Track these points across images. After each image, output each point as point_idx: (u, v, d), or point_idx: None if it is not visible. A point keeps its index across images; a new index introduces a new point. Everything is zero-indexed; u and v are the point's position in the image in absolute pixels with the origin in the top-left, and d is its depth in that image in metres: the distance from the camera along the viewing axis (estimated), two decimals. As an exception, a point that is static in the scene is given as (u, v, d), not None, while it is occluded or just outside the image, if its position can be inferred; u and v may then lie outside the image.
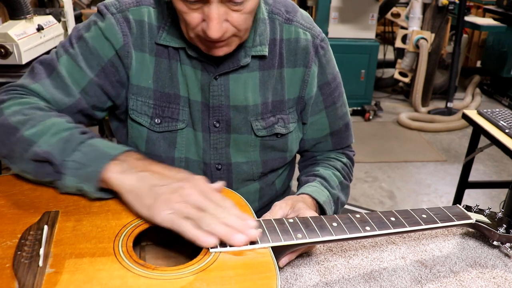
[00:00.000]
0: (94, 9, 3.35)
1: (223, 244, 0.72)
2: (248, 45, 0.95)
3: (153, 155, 1.00)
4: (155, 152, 1.00)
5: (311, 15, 4.59)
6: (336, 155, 1.13)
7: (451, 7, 4.23)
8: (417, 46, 4.32)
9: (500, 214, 0.94)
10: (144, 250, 0.83)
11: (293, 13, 1.02)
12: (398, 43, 4.54)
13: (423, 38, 4.29)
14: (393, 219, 0.83)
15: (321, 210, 0.98)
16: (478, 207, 0.94)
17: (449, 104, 4.38)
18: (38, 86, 0.91)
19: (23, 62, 1.98)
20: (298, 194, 0.98)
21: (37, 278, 0.63)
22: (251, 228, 0.73)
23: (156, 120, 0.98)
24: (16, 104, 0.86)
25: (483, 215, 0.93)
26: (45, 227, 0.72)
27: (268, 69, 0.99)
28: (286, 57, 1.00)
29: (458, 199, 2.47)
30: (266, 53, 0.97)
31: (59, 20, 2.40)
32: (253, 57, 0.97)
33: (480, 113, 2.15)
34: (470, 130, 2.45)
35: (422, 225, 0.83)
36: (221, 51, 0.88)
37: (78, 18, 2.81)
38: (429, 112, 4.45)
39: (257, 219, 0.80)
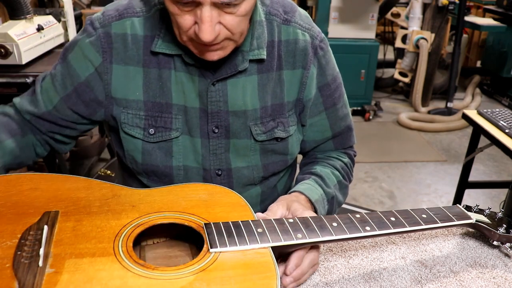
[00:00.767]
0: (94, 9, 3.35)
1: (223, 244, 0.72)
2: (246, 49, 0.94)
3: (150, 165, 1.00)
4: (152, 163, 0.99)
5: (311, 15, 4.59)
6: (337, 154, 1.12)
7: (451, 7, 4.23)
8: (417, 46, 4.32)
9: (500, 214, 0.94)
10: (144, 250, 0.83)
11: (292, 14, 1.00)
12: (398, 43, 4.54)
13: (423, 38, 4.29)
14: (393, 219, 0.83)
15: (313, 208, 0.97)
16: (478, 207, 0.94)
17: (449, 104, 4.38)
18: (18, 99, 1.04)
19: (23, 62, 1.97)
20: (290, 192, 0.97)
21: (37, 278, 0.63)
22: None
23: (150, 131, 0.97)
24: None
25: (483, 215, 0.93)
26: (45, 227, 0.72)
27: (266, 72, 0.98)
28: (285, 59, 0.99)
29: (458, 199, 2.47)
30: (264, 57, 0.95)
31: (59, 20, 2.39)
32: (251, 61, 0.95)
33: (480, 113, 2.15)
34: (470, 130, 2.45)
35: (422, 225, 0.83)
36: (215, 55, 0.86)
37: (78, 18, 2.80)
38: (429, 112, 4.45)
39: (257, 219, 0.81)
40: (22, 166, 1.06)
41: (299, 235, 0.76)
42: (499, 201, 3.00)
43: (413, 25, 4.41)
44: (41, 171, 1.57)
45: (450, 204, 2.71)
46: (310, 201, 0.95)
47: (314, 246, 0.82)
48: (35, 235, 0.71)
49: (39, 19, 2.18)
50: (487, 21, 4.71)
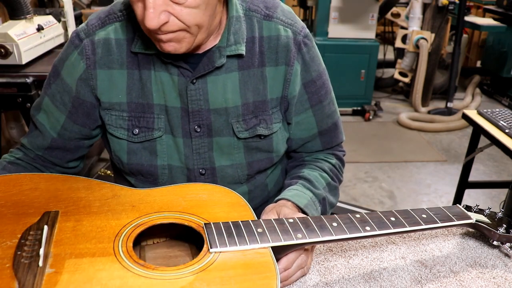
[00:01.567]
0: (94, 9, 3.35)
1: (223, 244, 0.72)
2: (222, 45, 0.93)
3: (135, 164, 1.00)
4: (137, 162, 1.00)
5: (311, 15, 4.60)
6: (324, 156, 1.11)
7: (451, 7, 4.23)
8: (417, 46, 4.32)
9: (500, 214, 0.94)
10: (144, 250, 0.83)
11: (273, 9, 0.99)
12: (398, 43, 4.54)
13: (423, 38, 4.29)
14: (393, 219, 0.83)
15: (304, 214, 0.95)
16: (478, 207, 0.94)
17: (449, 104, 4.38)
18: (25, 140, 1.05)
19: (23, 62, 1.98)
20: (277, 200, 0.96)
21: (37, 278, 0.63)
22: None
23: (134, 131, 0.97)
24: (1, 159, 1.04)
25: (483, 215, 0.93)
26: (45, 227, 0.72)
27: (247, 68, 0.97)
28: (267, 56, 0.98)
29: (458, 199, 2.47)
30: (243, 52, 0.94)
31: (59, 20, 2.39)
32: (230, 57, 0.95)
33: (480, 113, 2.15)
34: (470, 130, 2.45)
35: (422, 225, 0.83)
36: (170, 47, 0.85)
37: (78, 18, 2.80)
38: (429, 112, 4.45)
39: (257, 219, 0.81)
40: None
41: (299, 235, 0.77)
42: (499, 201, 3.00)
43: (413, 25, 4.41)
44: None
45: (450, 204, 2.71)
46: (298, 207, 0.94)
47: (305, 250, 0.82)
48: (35, 235, 0.71)
49: (39, 19, 2.18)
50: (487, 21, 4.71)
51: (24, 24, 2.06)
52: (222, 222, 0.77)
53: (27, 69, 2.01)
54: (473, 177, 2.47)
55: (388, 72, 5.25)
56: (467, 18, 4.46)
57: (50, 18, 2.30)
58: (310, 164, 1.08)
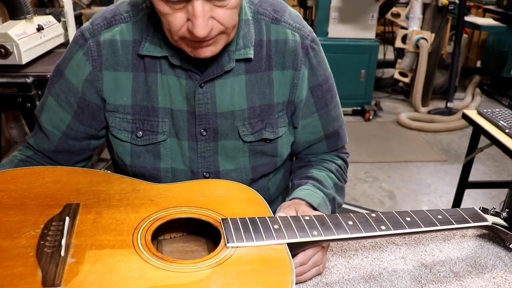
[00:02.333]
0: (94, 9, 3.35)
1: (240, 239, 0.73)
2: (232, 49, 0.93)
3: (139, 167, 1.00)
4: (141, 164, 0.99)
5: (311, 15, 4.60)
6: (330, 157, 1.11)
7: (451, 7, 4.23)
8: (417, 46, 4.32)
9: (504, 214, 0.93)
10: (161, 244, 0.85)
11: (281, 13, 0.98)
12: (398, 43, 4.54)
13: (423, 38, 4.29)
14: (408, 219, 0.83)
15: None
16: (495, 209, 0.93)
17: (449, 104, 4.38)
18: (31, 140, 1.05)
19: (23, 62, 1.98)
20: (290, 199, 0.96)
21: (59, 267, 0.65)
22: None
23: (138, 134, 0.97)
24: (12, 156, 1.04)
25: (500, 217, 0.91)
26: (67, 218, 0.74)
27: (254, 72, 0.97)
28: (274, 59, 0.97)
29: (458, 199, 2.47)
30: (251, 56, 0.94)
31: (59, 20, 2.39)
32: (238, 60, 0.94)
33: (480, 113, 2.15)
34: (470, 130, 2.45)
35: (437, 226, 0.83)
36: (208, 51, 0.84)
37: (78, 18, 2.80)
38: (429, 112, 4.45)
39: (273, 215, 0.81)
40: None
41: (315, 232, 0.77)
42: (499, 201, 2.99)
43: (413, 25, 4.41)
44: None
45: (450, 204, 2.71)
46: (312, 206, 0.95)
47: (322, 247, 0.83)
48: (57, 226, 0.72)
49: (39, 19, 2.18)
50: (487, 21, 4.71)
51: (24, 24, 2.06)
52: (239, 218, 0.79)
53: (27, 69, 2.01)
54: (473, 177, 2.47)
55: (388, 72, 5.25)
56: (467, 18, 4.46)
57: (50, 18, 2.30)
58: (317, 165, 1.09)
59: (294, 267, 0.70)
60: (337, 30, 4.22)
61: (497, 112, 2.12)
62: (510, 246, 0.91)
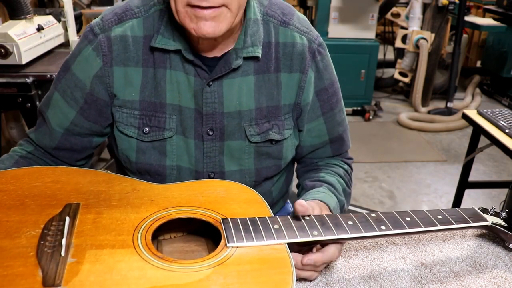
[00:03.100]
0: (94, 9, 3.35)
1: (240, 239, 0.73)
2: (239, 47, 0.93)
3: (144, 163, 0.99)
4: (146, 161, 0.99)
5: (311, 15, 4.60)
6: (337, 162, 1.11)
7: (451, 7, 4.23)
8: (417, 46, 4.32)
9: (504, 214, 0.93)
10: (161, 244, 0.85)
11: (290, 16, 0.99)
12: (398, 43, 4.54)
13: (423, 38, 4.29)
14: (408, 219, 0.83)
15: None
16: (494, 209, 0.93)
17: (449, 104, 4.38)
18: (33, 135, 1.04)
19: (23, 62, 1.97)
20: (309, 199, 0.95)
21: (59, 267, 0.65)
22: None
23: (144, 130, 0.97)
24: (11, 151, 1.04)
25: (500, 217, 0.92)
26: (67, 218, 0.74)
27: (263, 73, 0.97)
28: (282, 62, 0.98)
29: (458, 199, 2.47)
30: (259, 54, 0.94)
31: (59, 20, 2.39)
32: (247, 59, 0.95)
33: (480, 113, 2.15)
34: (470, 130, 2.45)
35: (437, 226, 0.83)
36: (210, 27, 0.82)
37: (78, 18, 2.80)
38: (429, 112, 4.45)
39: (273, 216, 0.81)
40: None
41: (315, 232, 0.78)
42: (499, 201, 2.99)
43: (413, 25, 4.41)
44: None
45: (450, 204, 2.71)
46: (329, 209, 0.94)
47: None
48: (57, 225, 0.73)
49: (39, 19, 2.18)
50: (487, 21, 4.70)
51: (24, 24, 2.06)
52: (239, 218, 0.79)
53: (27, 69, 2.01)
54: (473, 177, 2.47)
55: (388, 72, 5.25)
56: (467, 18, 4.45)
57: (50, 18, 2.30)
58: (325, 169, 1.09)
59: (294, 267, 0.70)
60: (337, 30, 4.22)
61: (497, 112, 2.11)
62: (509, 246, 0.91)
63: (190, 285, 0.65)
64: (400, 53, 4.84)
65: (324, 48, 1.02)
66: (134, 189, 0.86)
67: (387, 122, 4.34)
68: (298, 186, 1.12)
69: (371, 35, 4.29)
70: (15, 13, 2.06)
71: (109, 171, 0.92)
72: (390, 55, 5.60)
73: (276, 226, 0.77)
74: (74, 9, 2.83)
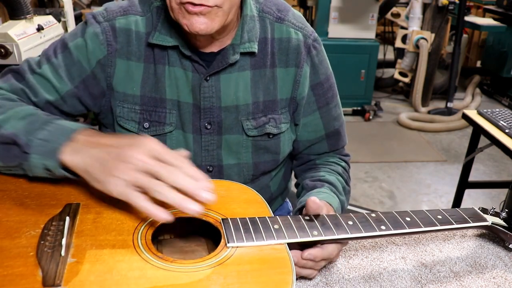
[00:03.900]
0: (94, 9, 3.35)
1: (240, 239, 0.73)
2: (236, 43, 0.95)
3: None
4: None
5: (311, 15, 4.60)
6: (335, 160, 1.12)
7: (451, 7, 4.23)
8: (417, 46, 4.32)
9: (504, 214, 0.93)
10: (161, 244, 0.85)
11: (285, 12, 1.01)
12: (398, 43, 4.54)
13: (423, 38, 4.29)
14: (408, 219, 0.83)
15: None
16: (494, 209, 0.93)
17: (449, 104, 4.38)
18: (5, 85, 0.94)
19: (23, 62, 1.97)
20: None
21: (59, 267, 0.65)
22: (205, 190, 0.71)
23: (144, 125, 0.98)
24: None
25: (500, 217, 0.92)
26: (67, 218, 0.74)
27: (259, 68, 0.99)
28: (278, 57, 1.00)
29: (458, 199, 2.47)
30: (256, 50, 0.96)
31: (59, 20, 2.39)
32: (243, 54, 0.96)
33: (480, 113, 2.15)
34: (470, 130, 2.45)
35: (437, 226, 0.83)
36: (202, 24, 0.83)
37: (78, 18, 2.80)
38: (429, 112, 4.45)
39: (273, 216, 0.81)
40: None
41: (315, 232, 0.77)
42: (499, 201, 2.99)
43: (413, 25, 4.41)
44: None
45: (450, 204, 2.71)
46: (333, 209, 0.94)
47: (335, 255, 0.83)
48: (57, 225, 0.73)
49: (39, 19, 2.18)
50: (487, 21, 4.71)
51: (24, 24, 2.06)
52: (239, 218, 0.79)
53: None
54: (473, 177, 2.47)
55: (388, 72, 5.25)
56: (467, 18, 4.45)
57: (50, 18, 2.30)
58: (324, 168, 1.09)
59: (294, 267, 0.70)
60: (337, 30, 4.22)
61: (497, 112, 2.12)
62: (509, 246, 0.91)
63: (190, 285, 0.65)
64: (400, 53, 4.84)
65: (319, 43, 1.04)
66: None
67: (387, 122, 4.35)
68: (297, 185, 1.12)
69: (371, 35, 4.29)
70: (15, 13, 2.06)
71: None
72: (390, 55, 5.60)
73: (276, 226, 0.77)
74: (74, 9, 2.84)
